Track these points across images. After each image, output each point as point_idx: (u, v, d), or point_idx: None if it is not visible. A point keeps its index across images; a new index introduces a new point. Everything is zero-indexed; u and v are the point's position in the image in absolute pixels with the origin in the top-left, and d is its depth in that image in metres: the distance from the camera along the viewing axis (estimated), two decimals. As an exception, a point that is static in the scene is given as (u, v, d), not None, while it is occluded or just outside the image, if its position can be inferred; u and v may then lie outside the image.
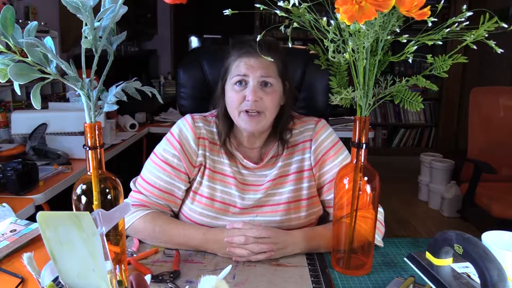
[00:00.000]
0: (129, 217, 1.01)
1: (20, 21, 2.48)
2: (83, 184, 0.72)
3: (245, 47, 1.00)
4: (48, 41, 0.63)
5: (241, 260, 0.94)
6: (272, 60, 0.96)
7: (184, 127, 1.08)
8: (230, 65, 1.03)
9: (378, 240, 1.01)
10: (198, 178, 1.08)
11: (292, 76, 1.29)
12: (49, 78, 0.65)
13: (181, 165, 1.06)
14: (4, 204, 1.25)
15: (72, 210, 0.72)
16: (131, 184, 1.10)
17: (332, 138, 1.10)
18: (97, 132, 0.70)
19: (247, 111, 0.99)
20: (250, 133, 1.05)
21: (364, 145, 0.88)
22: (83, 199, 0.72)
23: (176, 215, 1.12)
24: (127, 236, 1.03)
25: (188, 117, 1.09)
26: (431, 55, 0.82)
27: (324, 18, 0.77)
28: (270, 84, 1.00)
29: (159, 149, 1.08)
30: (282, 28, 0.79)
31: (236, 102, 1.00)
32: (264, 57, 0.90)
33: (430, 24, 0.76)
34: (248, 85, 0.99)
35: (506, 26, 0.74)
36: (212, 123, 1.11)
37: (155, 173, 1.06)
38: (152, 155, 1.09)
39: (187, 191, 1.09)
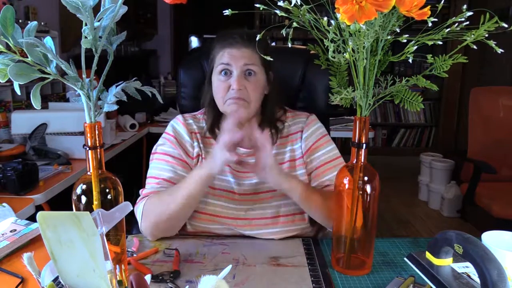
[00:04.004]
0: (138, 209, 1.03)
1: (20, 21, 2.48)
2: (83, 184, 0.72)
3: (228, 39, 1.05)
4: (48, 41, 0.63)
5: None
6: (255, 49, 1.01)
7: (176, 124, 1.14)
8: (214, 57, 1.08)
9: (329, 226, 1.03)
10: None
11: (293, 76, 1.30)
12: (49, 78, 0.65)
13: (181, 155, 1.09)
14: (4, 204, 1.25)
15: (72, 210, 0.72)
16: (140, 192, 1.11)
17: (321, 131, 1.16)
18: (97, 132, 0.70)
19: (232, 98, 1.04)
20: (238, 122, 1.06)
21: (364, 145, 0.88)
22: (83, 199, 0.72)
23: None
24: (127, 236, 1.03)
25: (179, 116, 1.17)
26: (431, 55, 0.82)
27: (325, 18, 0.77)
28: (253, 73, 1.05)
29: (157, 147, 1.13)
30: (283, 31, 0.79)
31: (222, 91, 1.05)
32: (246, 48, 1.00)
33: (430, 24, 0.76)
34: (232, 75, 1.04)
35: (506, 26, 0.73)
36: (201, 120, 1.17)
37: (158, 166, 1.09)
38: (151, 156, 1.12)
39: None
